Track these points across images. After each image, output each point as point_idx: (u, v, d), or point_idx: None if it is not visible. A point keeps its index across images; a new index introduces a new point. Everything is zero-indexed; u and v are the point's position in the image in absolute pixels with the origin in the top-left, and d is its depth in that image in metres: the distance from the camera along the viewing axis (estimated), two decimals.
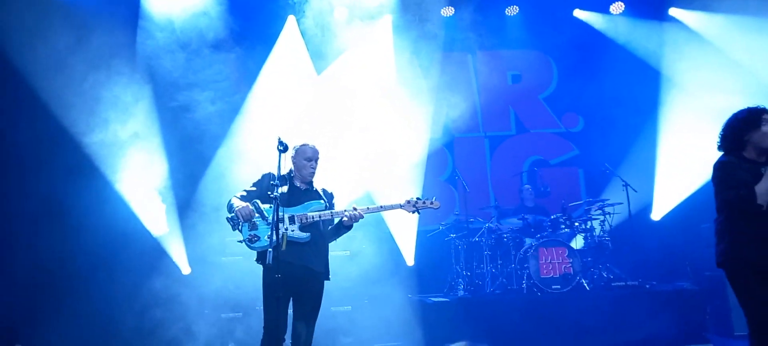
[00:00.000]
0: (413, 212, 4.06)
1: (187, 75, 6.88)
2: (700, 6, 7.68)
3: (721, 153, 3.50)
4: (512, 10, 8.35)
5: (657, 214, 7.90)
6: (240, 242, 3.96)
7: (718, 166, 3.40)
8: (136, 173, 6.59)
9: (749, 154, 3.39)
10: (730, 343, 5.89)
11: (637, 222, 7.22)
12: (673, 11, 8.00)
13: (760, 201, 3.20)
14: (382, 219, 7.32)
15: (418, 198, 4.05)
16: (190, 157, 6.97)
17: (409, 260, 7.43)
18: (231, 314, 5.94)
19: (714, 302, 6.18)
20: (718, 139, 3.52)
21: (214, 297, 5.95)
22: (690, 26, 7.88)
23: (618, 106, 8.09)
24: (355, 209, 3.95)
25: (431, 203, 4.04)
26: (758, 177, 3.23)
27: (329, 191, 4.27)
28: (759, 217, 3.23)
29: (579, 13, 8.40)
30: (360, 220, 3.96)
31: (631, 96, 8.11)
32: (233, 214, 3.94)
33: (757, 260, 3.24)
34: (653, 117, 8.06)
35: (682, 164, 7.61)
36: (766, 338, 3.19)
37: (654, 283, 6.64)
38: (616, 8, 8.26)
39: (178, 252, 6.59)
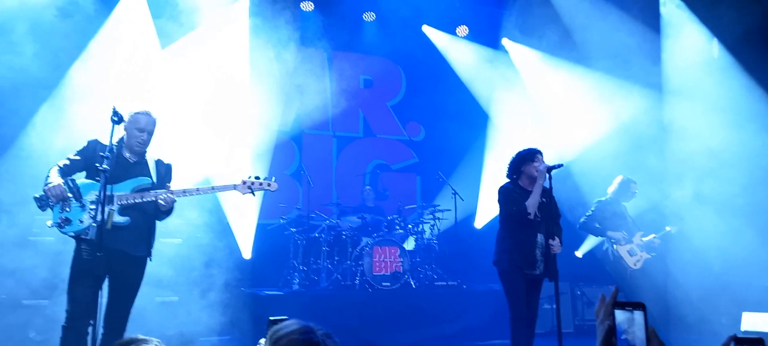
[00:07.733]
0: (247, 193, 3.87)
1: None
2: (527, 41, 8.57)
3: (507, 179, 4.57)
4: (369, 16, 8.61)
5: (479, 222, 8.73)
6: (51, 225, 3.56)
7: (502, 190, 4.50)
8: None
9: (523, 182, 4.46)
10: None
11: (462, 228, 7.87)
12: (505, 42, 8.90)
13: (530, 211, 4.24)
14: (222, 209, 7.05)
15: (256, 177, 3.88)
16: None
17: (246, 252, 7.24)
18: (34, 301, 5.22)
19: None
20: (507, 168, 4.59)
21: (17, 280, 5.18)
22: (512, 58, 8.84)
23: (455, 121, 8.80)
24: (169, 191, 3.68)
25: (269, 185, 3.88)
26: (526, 198, 4.33)
27: (166, 162, 3.95)
28: (523, 228, 4.30)
29: (427, 30, 8.89)
30: (173, 204, 3.68)
31: (467, 114, 8.87)
32: (42, 193, 3.53)
33: (519, 260, 4.27)
34: (483, 135, 8.91)
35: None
36: (520, 324, 4.22)
37: (471, 283, 7.36)
38: (461, 31, 8.88)
39: None
